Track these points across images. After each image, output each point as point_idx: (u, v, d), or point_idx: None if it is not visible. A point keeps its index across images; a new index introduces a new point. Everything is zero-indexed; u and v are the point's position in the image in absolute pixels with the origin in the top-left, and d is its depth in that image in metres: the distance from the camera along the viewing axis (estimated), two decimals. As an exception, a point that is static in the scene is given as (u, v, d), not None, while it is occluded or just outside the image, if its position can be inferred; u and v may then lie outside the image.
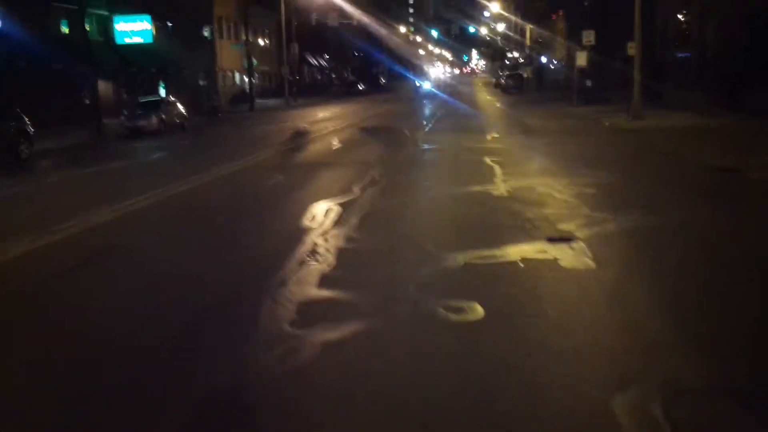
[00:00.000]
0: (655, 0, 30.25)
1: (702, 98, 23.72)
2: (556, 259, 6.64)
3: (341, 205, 9.70)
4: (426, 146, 17.94)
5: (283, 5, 47.76)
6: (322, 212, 9.17)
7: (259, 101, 47.82)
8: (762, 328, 4.87)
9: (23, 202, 12.36)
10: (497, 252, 6.94)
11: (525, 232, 7.82)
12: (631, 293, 5.63)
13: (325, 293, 5.83)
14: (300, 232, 8.03)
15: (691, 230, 7.89)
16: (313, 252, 7.12)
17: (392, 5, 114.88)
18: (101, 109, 31.09)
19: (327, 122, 28.98)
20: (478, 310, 5.27)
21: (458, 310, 5.28)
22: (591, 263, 6.47)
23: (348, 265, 6.67)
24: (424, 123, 26.46)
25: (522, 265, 6.54)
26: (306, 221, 8.66)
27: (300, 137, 22.44)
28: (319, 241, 7.59)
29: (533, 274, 6.27)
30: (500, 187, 10.92)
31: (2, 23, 28.50)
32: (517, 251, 6.95)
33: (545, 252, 6.91)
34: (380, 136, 21.22)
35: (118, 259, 7.61)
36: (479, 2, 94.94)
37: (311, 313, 5.37)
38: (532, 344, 4.61)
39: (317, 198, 10.32)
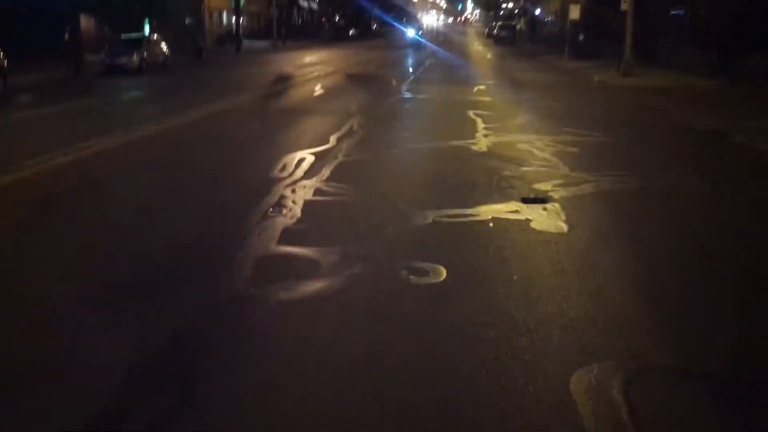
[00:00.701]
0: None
1: (694, 58, 23.33)
2: (527, 221, 6.44)
3: (315, 155, 9.40)
4: (410, 96, 17.55)
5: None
6: (294, 162, 8.87)
7: (246, 42, 46.65)
8: (739, 308, 4.70)
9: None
10: (469, 211, 6.72)
11: (500, 190, 7.59)
12: (601, 261, 5.44)
13: (286, 249, 5.59)
14: (269, 183, 7.75)
15: (670, 196, 7.70)
16: (279, 204, 6.87)
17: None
18: (83, 45, 30.18)
19: (313, 67, 28.35)
20: (442, 273, 5.07)
21: (421, 273, 5.07)
22: (563, 227, 6.27)
23: (313, 219, 6.43)
24: (412, 72, 25.95)
25: (492, 225, 6.34)
26: (276, 171, 8.37)
27: (283, 81, 21.90)
28: (287, 192, 7.32)
29: (502, 235, 6.06)
30: (480, 142, 10.65)
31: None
32: (489, 211, 6.74)
33: (518, 213, 6.71)
34: (365, 84, 20.72)
35: (71, 205, 7.30)
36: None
37: (269, 270, 5.15)
38: (494, 313, 4.42)
39: (291, 147, 10.00)
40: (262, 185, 7.60)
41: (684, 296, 4.82)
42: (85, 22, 34.42)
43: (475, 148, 10.19)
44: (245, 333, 4.17)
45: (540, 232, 6.13)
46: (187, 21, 44.97)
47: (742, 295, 4.88)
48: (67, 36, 26.16)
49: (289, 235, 5.91)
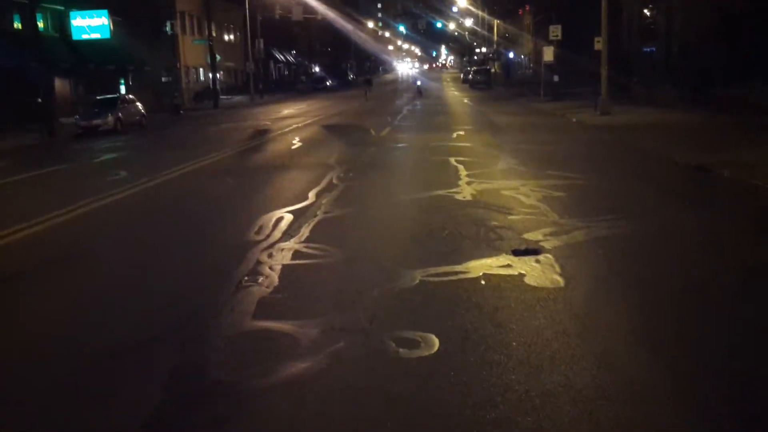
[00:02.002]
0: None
1: (669, 93, 23.44)
2: (521, 275, 6.05)
3: (293, 213, 9.00)
4: (389, 145, 17.30)
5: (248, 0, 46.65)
6: (271, 222, 8.46)
7: (224, 98, 46.72)
8: (748, 362, 4.31)
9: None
10: (458, 268, 6.32)
11: (489, 243, 7.22)
12: (603, 318, 5.04)
13: (261, 324, 5.13)
14: (244, 247, 7.31)
15: (664, 238, 7.38)
16: (255, 271, 6.42)
17: (360, 0, 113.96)
18: (57, 107, 29.83)
19: (290, 119, 28.19)
20: (433, 343, 4.64)
21: (411, 344, 4.64)
22: (559, 280, 5.89)
23: (291, 287, 5.98)
24: (390, 120, 25.80)
25: (484, 282, 5.93)
26: (252, 233, 7.94)
27: (259, 136, 21.63)
28: (264, 257, 6.89)
29: (496, 294, 5.65)
30: (464, 190, 10.32)
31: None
32: (479, 266, 6.34)
33: (510, 267, 6.32)
34: (343, 135, 20.49)
35: (33, 282, 6.82)
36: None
37: (243, 352, 4.68)
38: (493, 389, 3.98)
39: (268, 206, 9.61)
40: (237, 250, 7.17)
41: (693, 354, 4.41)
42: (60, 84, 34.24)
43: (459, 197, 9.85)
44: (216, 428, 3.70)
45: (535, 287, 5.74)
46: (164, 79, 45.00)
47: (757, 349, 4.49)
48: (39, 99, 25.83)
49: (265, 308, 5.46)
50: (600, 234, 7.42)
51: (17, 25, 32.00)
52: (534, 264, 6.38)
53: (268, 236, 7.76)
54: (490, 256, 6.69)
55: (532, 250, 6.83)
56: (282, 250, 7.17)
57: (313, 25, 66.87)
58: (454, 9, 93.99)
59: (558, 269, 6.18)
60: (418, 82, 53.73)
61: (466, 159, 13.69)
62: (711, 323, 4.95)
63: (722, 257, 6.65)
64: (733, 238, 7.40)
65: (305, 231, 7.96)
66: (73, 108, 30.94)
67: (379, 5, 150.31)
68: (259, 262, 6.70)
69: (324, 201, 9.80)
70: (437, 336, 4.74)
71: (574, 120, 22.46)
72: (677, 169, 12.16)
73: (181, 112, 36.93)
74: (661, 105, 22.82)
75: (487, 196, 9.85)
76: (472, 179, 11.25)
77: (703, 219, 8.23)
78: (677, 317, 5.07)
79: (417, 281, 5.98)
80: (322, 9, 60.68)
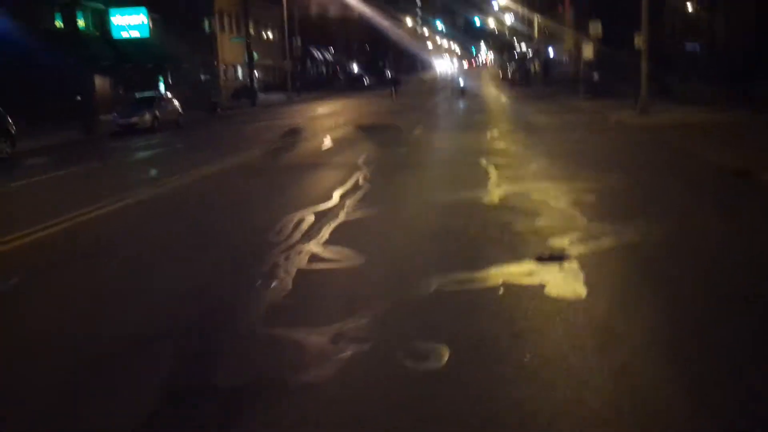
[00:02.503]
0: (665, -11, 29.28)
1: (711, 91, 22.75)
2: (542, 285, 5.81)
3: (316, 214, 8.89)
4: (420, 145, 17.12)
5: (285, -2, 46.87)
6: (292, 223, 8.35)
7: (262, 96, 47.05)
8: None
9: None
10: (477, 275, 6.11)
11: (512, 248, 6.99)
12: (625, 332, 4.79)
13: (269, 331, 5.02)
14: (262, 249, 7.23)
15: (699, 245, 7.03)
16: (270, 275, 6.32)
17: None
18: (97, 105, 30.41)
19: (325, 118, 28.20)
20: (443, 355, 4.46)
21: (420, 355, 4.47)
22: (582, 290, 5.64)
23: (304, 292, 5.86)
24: (424, 119, 25.57)
25: (502, 291, 5.72)
26: (272, 234, 7.85)
27: (293, 135, 21.65)
28: (281, 260, 6.78)
29: (514, 304, 5.44)
30: (492, 193, 10.08)
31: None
32: (499, 274, 6.13)
33: (532, 275, 6.09)
34: (375, 134, 20.37)
35: (52, 276, 6.83)
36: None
37: (248, 358, 4.58)
38: (501, 404, 3.79)
39: (292, 206, 9.51)
40: (255, 252, 7.10)
41: (724, 374, 4.14)
42: (100, 82, 34.86)
43: (486, 200, 9.62)
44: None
45: (555, 298, 5.51)
46: (202, 77, 45.50)
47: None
48: (78, 97, 26.28)
49: (275, 314, 5.35)
50: (629, 240, 7.13)
51: (59, 23, 32.63)
52: (557, 272, 6.14)
53: (288, 238, 7.66)
54: (512, 262, 6.47)
55: (556, 257, 6.59)
56: (300, 252, 7.05)
57: (351, 22, 66.92)
58: (494, 5, 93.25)
59: (582, 278, 5.94)
60: (461, 82, 46.74)
61: (498, 160, 13.42)
62: (743, 344, 4.65)
63: (758, 270, 6.32)
64: (770, 246, 7.05)
65: (325, 233, 7.84)
66: (113, 106, 31.45)
67: (419, 2, 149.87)
68: (275, 265, 6.60)
69: (348, 202, 9.67)
70: (448, 347, 4.56)
71: (613, 119, 21.92)
72: (717, 171, 11.72)
73: (219, 110, 37.24)
74: (704, 104, 22.15)
75: (515, 198, 9.60)
76: (502, 181, 11.01)
77: (742, 227, 7.86)
78: (706, 335, 4.78)
79: (433, 289, 5.80)
80: (360, 6, 60.62)
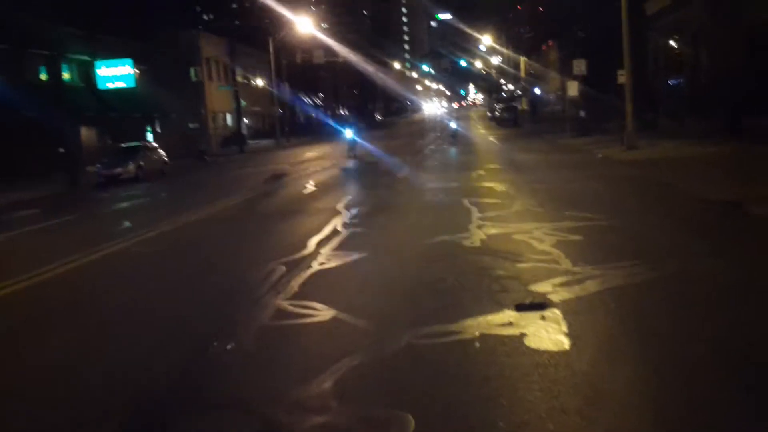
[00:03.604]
0: (647, 26, 29.43)
1: (697, 125, 22.62)
2: (522, 336, 5.37)
3: (287, 263, 8.45)
4: (403, 187, 16.78)
5: (271, 44, 47.12)
6: (260, 276, 7.91)
7: (252, 142, 47.04)
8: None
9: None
10: (452, 327, 5.67)
11: (491, 296, 6.55)
12: (610, 390, 4.34)
13: (217, 400, 4.55)
14: (224, 304, 6.79)
15: (688, 286, 6.61)
16: (228, 334, 5.86)
17: (387, 43, 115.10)
18: (83, 156, 30.20)
19: (311, 162, 27.95)
20: (407, 425, 3.99)
21: (380, 425, 4.02)
22: (564, 341, 5.20)
23: (262, 354, 5.39)
24: (410, 161, 25.32)
25: (478, 345, 5.27)
26: (237, 289, 7.41)
27: (276, 180, 21.32)
28: (242, 316, 6.33)
29: (490, 359, 4.99)
30: (474, 235, 9.68)
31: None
32: (476, 325, 5.68)
33: (510, 325, 5.65)
34: (359, 177, 20.10)
35: (33, 331, 6.35)
36: (473, 37, 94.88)
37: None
38: (467, 486, 3.32)
39: (263, 256, 9.07)
40: (216, 308, 6.65)
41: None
42: (87, 133, 34.71)
43: (467, 242, 9.21)
44: None
45: (536, 351, 5.06)
46: (191, 125, 45.45)
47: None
48: (62, 149, 26.02)
49: (227, 382, 4.88)
50: (616, 283, 6.70)
51: (43, 76, 32.54)
52: (538, 321, 5.71)
53: (253, 292, 7.21)
54: (490, 312, 6.02)
55: (537, 305, 6.16)
56: (265, 308, 6.60)
57: (339, 67, 67.35)
58: (482, 47, 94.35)
59: (564, 328, 5.50)
60: (453, 125, 39.49)
61: (482, 200, 13.07)
62: (742, 399, 4.20)
63: (754, 306, 5.89)
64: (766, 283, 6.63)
65: (294, 285, 7.39)
66: (100, 156, 31.21)
67: (406, 46, 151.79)
68: (235, 323, 6.15)
69: (323, 250, 9.24)
70: (413, 414, 4.09)
71: (600, 156, 21.71)
72: (705, 205, 11.36)
73: (207, 158, 37.03)
74: (690, 138, 21.99)
75: (497, 241, 9.20)
76: (484, 222, 10.62)
77: (733, 264, 7.44)
78: (698, 394, 4.32)
79: (403, 344, 5.35)
80: (346, 52, 61.12)
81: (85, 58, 35.62)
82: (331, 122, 68.81)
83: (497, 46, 75.94)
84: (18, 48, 30.27)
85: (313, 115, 71.52)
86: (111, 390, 4.97)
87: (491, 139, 39.29)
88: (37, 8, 27.56)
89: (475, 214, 11.51)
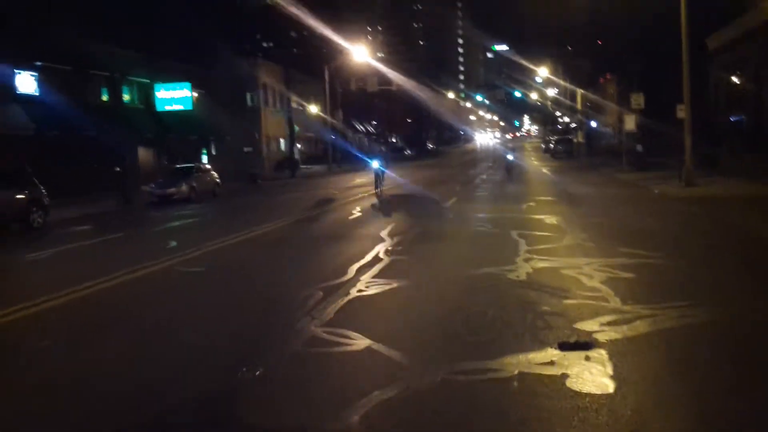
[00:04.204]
0: (709, 61, 28.73)
1: (758, 163, 21.79)
2: (563, 377, 5.07)
3: (325, 289, 8.29)
4: (451, 216, 16.53)
5: (327, 72, 47.74)
6: (297, 301, 7.77)
7: (303, 167, 47.52)
8: None
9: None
10: (490, 364, 5.40)
11: (534, 333, 6.25)
12: (657, 442, 4.02)
13: (241, 426, 4.40)
14: (258, 329, 6.65)
15: (747, 331, 6.19)
16: (258, 361, 5.71)
17: (442, 73, 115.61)
18: (140, 176, 30.92)
19: (359, 188, 27.92)
20: (435, 467, 3.75)
21: (406, 466, 3.77)
22: (608, 384, 4.89)
23: (292, 383, 5.22)
24: (458, 189, 25.08)
25: (516, 384, 4.99)
26: (272, 313, 7.29)
27: (323, 205, 21.32)
28: (275, 342, 6.19)
29: (528, 401, 4.70)
30: (520, 268, 9.36)
31: (39, 91, 28.66)
32: (515, 363, 5.41)
33: (552, 365, 5.36)
34: (405, 204, 19.90)
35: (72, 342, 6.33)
36: (529, 68, 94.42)
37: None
38: None
39: (302, 281, 8.95)
40: (250, 332, 6.51)
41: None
42: (144, 153, 35.57)
43: (512, 275, 8.92)
44: None
45: (578, 393, 4.76)
46: (246, 149, 46.20)
47: None
48: (118, 168, 26.66)
49: (252, 408, 4.72)
50: (667, 325, 6.33)
51: (104, 97, 33.56)
52: (582, 362, 5.40)
53: (288, 316, 7.07)
54: (532, 349, 5.73)
55: (582, 344, 5.84)
56: (299, 334, 6.44)
57: (392, 95, 67.77)
58: (537, 79, 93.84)
59: (609, 370, 5.18)
60: (509, 157, 34.03)
61: (531, 232, 12.73)
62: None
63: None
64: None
65: (330, 312, 7.23)
66: (155, 176, 31.88)
67: (461, 77, 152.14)
68: (267, 348, 6.00)
69: (362, 277, 9.06)
70: (442, 457, 3.85)
71: (656, 191, 21.10)
72: (766, 246, 10.81)
73: (259, 181, 37.47)
74: (751, 176, 21.21)
75: (544, 275, 8.87)
76: (532, 255, 10.28)
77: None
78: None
79: (438, 379, 5.11)
80: (400, 80, 61.47)
81: (145, 80, 36.65)
82: (382, 149, 69.07)
83: (553, 78, 75.24)
84: (81, 70, 31.32)
85: (366, 142, 71.95)
86: (133, 407, 4.87)
87: (544, 170, 38.77)
88: (100, 32, 28.51)
89: (523, 246, 11.19)
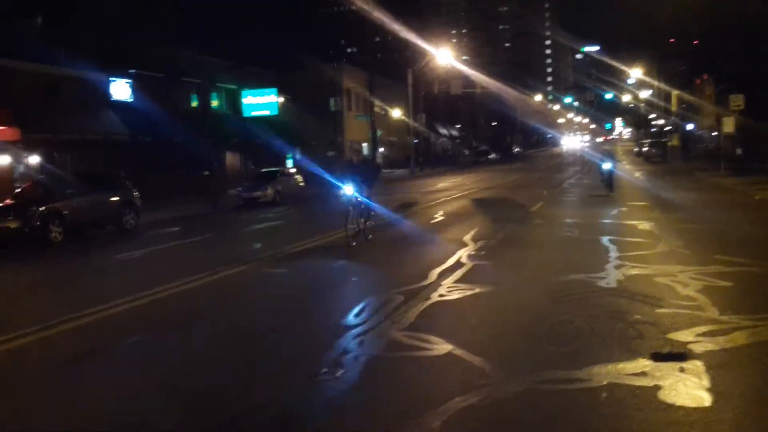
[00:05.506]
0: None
1: None
2: (656, 388, 4.79)
3: (405, 293, 8.19)
4: (536, 221, 16.09)
5: (410, 76, 47.78)
6: (376, 304, 7.72)
7: (386, 171, 47.67)
8: None
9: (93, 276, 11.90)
10: (578, 374, 5.16)
11: (624, 342, 5.94)
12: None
13: (321, 427, 4.36)
14: (336, 331, 6.63)
15: None
16: (337, 363, 5.68)
17: (528, 75, 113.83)
18: (227, 179, 31.83)
19: (442, 192, 27.74)
20: (517, 481, 3.57)
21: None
22: (704, 397, 4.58)
23: (369, 386, 5.17)
24: (545, 194, 24.47)
25: (605, 395, 4.74)
26: (351, 316, 7.26)
27: (405, 209, 21.24)
28: (353, 345, 6.14)
29: (618, 412, 4.45)
30: (610, 275, 8.98)
31: (133, 97, 29.95)
32: (605, 373, 5.14)
33: (644, 375, 5.08)
34: (490, 209, 19.54)
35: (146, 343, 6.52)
36: (620, 70, 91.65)
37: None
38: None
39: (381, 285, 8.95)
40: (328, 335, 6.50)
41: None
42: (231, 157, 36.60)
43: (602, 283, 8.55)
44: None
45: (671, 406, 4.48)
46: (329, 153, 46.80)
47: None
48: (206, 172, 27.52)
49: (328, 411, 4.67)
50: (770, 337, 5.90)
51: (194, 104, 34.76)
52: (676, 373, 5.09)
53: (367, 320, 7.02)
54: (622, 359, 5.45)
55: (676, 355, 5.51)
56: (378, 337, 6.37)
57: (477, 98, 67.16)
58: (629, 80, 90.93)
59: (705, 382, 4.86)
60: (606, 166, 23.60)
61: (622, 239, 12.23)
62: None
63: None
64: None
65: (411, 316, 7.12)
66: (241, 180, 32.73)
67: (548, 78, 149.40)
68: (345, 351, 5.96)
69: (443, 282, 8.90)
70: (525, 470, 3.67)
71: (757, 197, 19.93)
72: None
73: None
74: None
75: (635, 283, 8.46)
76: (623, 262, 9.84)
77: None
78: None
79: (522, 388, 4.91)
80: (485, 83, 60.84)
81: (233, 86, 37.70)
82: (466, 153, 68.34)
83: (647, 79, 72.64)
84: (173, 77, 32.55)
85: (449, 146, 71.61)
86: (215, 405, 4.91)
87: (637, 174, 37.41)
88: (191, 40, 29.53)
89: (614, 253, 10.76)
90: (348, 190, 13.12)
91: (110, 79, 29.29)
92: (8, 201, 17.33)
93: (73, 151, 26.33)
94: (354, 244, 12.64)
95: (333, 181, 14.98)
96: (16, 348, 6.96)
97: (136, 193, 19.92)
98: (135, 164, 26.07)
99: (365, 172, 13.74)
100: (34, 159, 24.97)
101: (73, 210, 17.30)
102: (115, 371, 6.11)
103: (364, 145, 51.96)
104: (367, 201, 13.57)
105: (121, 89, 30.04)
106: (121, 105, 29.65)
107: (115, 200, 19.05)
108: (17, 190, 18.63)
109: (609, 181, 23.42)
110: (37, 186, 18.51)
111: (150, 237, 17.52)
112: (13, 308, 9.56)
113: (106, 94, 29.24)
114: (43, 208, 16.56)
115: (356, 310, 7.50)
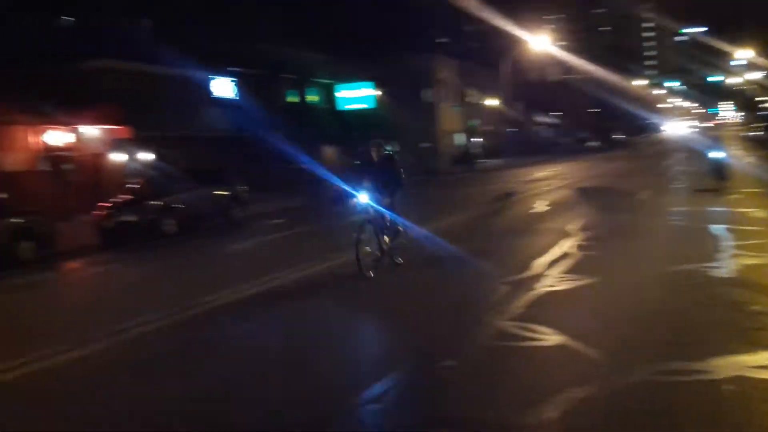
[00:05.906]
0: None
1: None
2: (781, 382, 4.59)
3: (511, 284, 8.15)
4: (646, 211, 15.49)
5: (504, 64, 47.07)
6: (481, 293, 7.73)
7: (482, 161, 47.25)
8: None
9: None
10: (696, 365, 5.02)
11: (746, 335, 5.71)
12: None
13: (442, 415, 4.50)
14: (444, 321, 6.72)
15: None
16: (449, 350, 5.76)
17: (629, 60, 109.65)
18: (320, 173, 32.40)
19: (542, 182, 27.20)
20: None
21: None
22: (840, 395, 4.34)
23: (481, 371, 5.22)
24: (653, 182, 23.55)
25: (730, 388, 4.57)
26: (459, 305, 7.32)
27: (503, 199, 20.97)
28: (464, 334, 6.21)
29: (744, 406, 4.31)
30: (725, 265, 8.61)
31: (234, 94, 31.03)
32: (726, 365, 4.98)
33: (766, 369, 4.86)
34: (594, 198, 19.00)
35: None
36: (726, 51, 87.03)
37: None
38: None
39: (482, 275, 8.95)
40: (437, 325, 6.59)
41: None
42: (328, 151, 37.28)
43: (716, 273, 8.22)
44: None
45: (800, 401, 4.28)
46: (422, 144, 46.79)
47: None
48: (303, 166, 28.23)
49: (451, 399, 4.79)
50: None
51: (292, 99, 35.66)
52: (802, 367, 4.85)
53: (475, 310, 7.05)
54: (744, 352, 5.25)
55: (801, 348, 5.25)
56: (487, 327, 6.39)
57: (575, 85, 65.40)
58: (738, 62, 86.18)
59: (837, 378, 4.60)
60: (715, 154, 21.50)
61: (737, 227, 11.66)
62: None
63: None
64: None
65: (518, 307, 7.09)
66: (337, 173, 33.21)
67: (651, 62, 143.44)
68: (457, 340, 6.06)
69: (550, 272, 8.78)
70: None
71: None
72: None
73: (436, 175, 37.86)
74: None
75: (754, 273, 8.09)
76: (741, 251, 9.39)
77: None
78: None
79: (638, 379, 4.82)
80: (584, 68, 59.13)
81: (328, 81, 38.36)
82: (566, 141, 66.64)
83: (758, 60, 68.56)
84: (272, 73, 33.48)
85: (547, 134, 70.03)
86: (334, 388, 5.08)
87: (749, 159, 35.45)
88: (288, 37, 30.26)
89: (729, 242, 10.29)
90: (363, 198, 10.02)
91: (213, 76, 30.45)
92: (126, 197, 18.30)
93: (181, 148, 27.53)
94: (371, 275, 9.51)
95: (343, 186, 10.93)
96: (164, 326, 7.46)
97: (243, 187, 20.64)
98: (237, 158, 26.96)
99: (387, 173, 10.17)
100: (146, 156, 26.25)
101: (186, 204, 18.13)
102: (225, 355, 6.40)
103: (458, 135, 51.76)
104: (390, 212, 10.17)
105: (223, 86, 31.22)
106: (223, 101, 30.81)
107: (224, 194, 19.80)
108: (133, 186, 19.61)
109: (720, 171, 21.13)
110: (152, 182, 19.47)
111: (257, 228, 18.05)
112: (157, 290, 10.12)
113: (209, 92, 30.45)
114: (159, 202, 17.43)
115: (464, 300, 7.54)
